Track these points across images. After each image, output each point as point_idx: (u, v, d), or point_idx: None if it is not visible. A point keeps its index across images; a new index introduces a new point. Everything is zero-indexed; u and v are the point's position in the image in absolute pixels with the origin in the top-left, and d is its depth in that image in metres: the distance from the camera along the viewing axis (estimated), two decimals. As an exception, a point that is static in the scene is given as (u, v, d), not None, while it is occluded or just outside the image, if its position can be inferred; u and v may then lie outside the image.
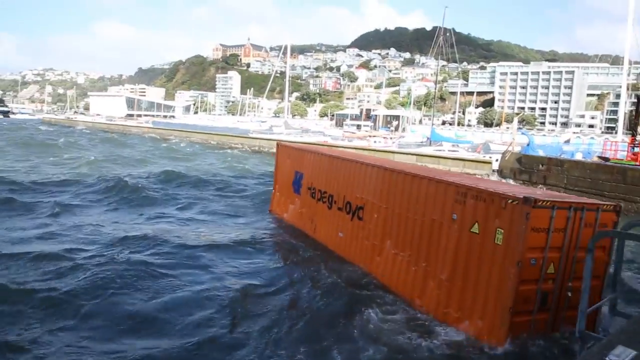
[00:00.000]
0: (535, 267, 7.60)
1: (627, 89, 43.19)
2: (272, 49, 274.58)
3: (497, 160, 31.39)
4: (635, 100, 34.34)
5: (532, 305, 7.71)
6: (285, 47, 70.00)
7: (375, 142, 48.53)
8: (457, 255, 8.72)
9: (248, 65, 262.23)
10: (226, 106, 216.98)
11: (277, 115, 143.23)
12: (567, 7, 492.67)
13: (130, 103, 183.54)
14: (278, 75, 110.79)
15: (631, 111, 35.99)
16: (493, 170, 30.11)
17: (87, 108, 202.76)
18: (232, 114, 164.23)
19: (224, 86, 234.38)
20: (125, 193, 20.79)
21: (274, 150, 46.43)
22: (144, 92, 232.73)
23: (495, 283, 7.82)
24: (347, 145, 41.73)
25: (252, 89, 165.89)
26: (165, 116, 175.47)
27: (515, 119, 44.24)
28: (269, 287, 10.73)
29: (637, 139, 29.75)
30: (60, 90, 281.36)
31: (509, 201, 7.74)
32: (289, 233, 15.41)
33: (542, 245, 7.59)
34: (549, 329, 7.96)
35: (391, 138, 52.75)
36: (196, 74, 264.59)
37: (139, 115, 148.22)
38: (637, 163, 25.95)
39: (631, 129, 31.24)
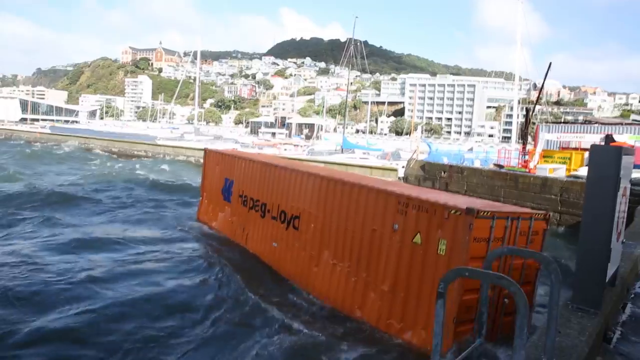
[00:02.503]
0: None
1: (519, 102, 46.74)
2: (186, 54, 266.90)
3: (403, 167, 32.31)
4: (525, 113, 37.17)
5: (473, 313, 7.58)
6: (195, 53, 67.79)
7: (285, 149, 48.30)
8: (399, 265, 8.61)
9: (160, 70, 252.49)
10: (136, 112, 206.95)
11: (191, 122, 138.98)
12: (469, 28, 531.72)
13: (25, 106, 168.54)
14: (191, 81, 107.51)
15: (522, 122, 38.92)
16: (399, 178, 30.93)
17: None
18: (143, 120, 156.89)
19: (133, 91, 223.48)
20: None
21: (180, 158, 44.80)
22: (43, 94, 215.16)
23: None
24: (256, 153, 41.02)
25: (163, 94, 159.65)
26: (67, 121, 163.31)
27: (419, 128, 46.15)
28: (183, 311, 9.76)
29: (527, 147, 32.18)
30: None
31: (452, 212, 7.77)
32: (218, 242, 14.56)
33: (483, 254, 7.54)
34: (488, 336, 8.00)
35: (301, 146, 52.83)
36: (103, 77, 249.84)
37: (36, 120, 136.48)
38: (527, 170, 27.87)
39: (522, 138, 33.67)
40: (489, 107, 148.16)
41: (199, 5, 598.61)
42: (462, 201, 8.89)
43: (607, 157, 3.66)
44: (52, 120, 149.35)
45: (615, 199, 3.65)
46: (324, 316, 9.64)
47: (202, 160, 43.03)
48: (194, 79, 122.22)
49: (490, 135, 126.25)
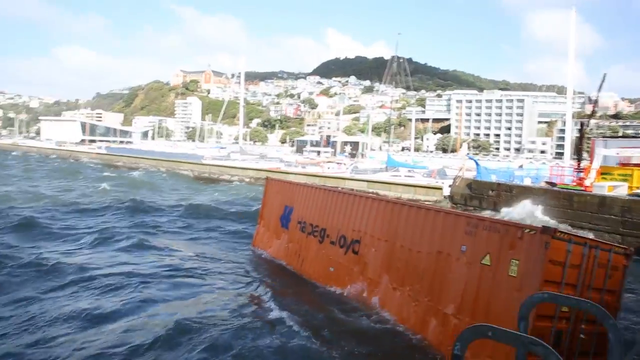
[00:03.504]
0: (551, 303, 7.05)
1: (573, 116, 44.54)
2: (233, 75, 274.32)
3: (448, 186, 31.21)
4: (579, 128, 35.22)
5: (547, 343, 6.95)
6: (245, 74, 69.34)
7: (328, 168, 48.00)
8: (465, 288, 8.32)
9: (208, 91, 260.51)
10: (186, 132, 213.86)
11: (237, 141, 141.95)
12: (517, 41, 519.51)
13: (85, 128, 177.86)
14: (238, 101, 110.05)
15: (577, 137, 36.89)
16: (444, 196, 29.87)
17: (38, 133, 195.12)
18: (192, 140, 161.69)
19: (183, 112, 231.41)
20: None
21: (225, 177, 45.39)
22: (101, 117, 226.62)
23: (509, 316, 7.06)
24: (300, 171, 40.96)
25: (211, 114, 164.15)
26: (122, 142, 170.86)
27: (465, 145, 44.83)
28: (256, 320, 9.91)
29: (581, 164, 30.31)
30: (11, 114, 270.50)
31: (526, 231, 7.50)
32: (271, 267, 14.91)
33: (558, 279, 7.18)
34: None
35: (345, 164, 52.40)
36: (155, 99, 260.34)
37: (93, 141, 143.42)
38: (583, 188, 26.17)
39: (576, 154, 31.83)
40: (540, 122, 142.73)
41: (248, 28, 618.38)
42: (535, 223, 8.83)
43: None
44: (108, 141, 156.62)
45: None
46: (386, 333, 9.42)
47: (246, 180, 43.57)
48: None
49: (542, 152, 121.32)
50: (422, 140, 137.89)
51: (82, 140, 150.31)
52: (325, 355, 8.59)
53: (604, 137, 50.07)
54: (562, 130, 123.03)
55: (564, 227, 19.86)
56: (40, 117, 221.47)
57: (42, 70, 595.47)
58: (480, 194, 28.71)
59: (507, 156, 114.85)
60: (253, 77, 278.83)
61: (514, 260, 7.56)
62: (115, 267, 13.48)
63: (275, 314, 10.50)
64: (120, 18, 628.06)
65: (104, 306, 10.28)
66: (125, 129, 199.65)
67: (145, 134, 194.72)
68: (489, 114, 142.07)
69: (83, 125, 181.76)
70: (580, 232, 22.08)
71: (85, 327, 9.25)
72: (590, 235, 20.54)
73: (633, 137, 48.96)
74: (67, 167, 49.74)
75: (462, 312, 8.27)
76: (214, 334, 9.03)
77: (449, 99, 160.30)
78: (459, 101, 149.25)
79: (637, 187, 24.79)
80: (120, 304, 10.37)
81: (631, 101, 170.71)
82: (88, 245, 16.32)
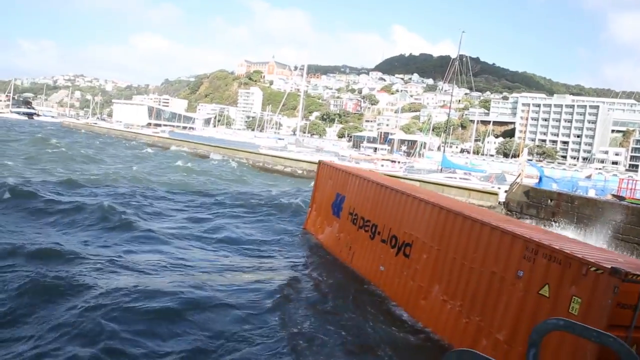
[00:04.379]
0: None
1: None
2: (296, 68, 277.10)
3: (504, 191, 29.86)
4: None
5: None
6: (308, 67, 69.72)
7: (382, 165, 47.37)
8: (520, 316, 7.74)
9: (271, 82, 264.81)
10: (246, 121, 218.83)
11: (295, 133, 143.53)
12: (595, 44, 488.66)
13: (152, 112, 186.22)
14: (299, 93, 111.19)
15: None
16: (499, 202, 28.60)
17: (110, 115, 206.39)
18: (252, 129, 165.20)
19: (245, 101, 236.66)
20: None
21: (278, 167, 45.87)
22: (167, 102, 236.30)
23: (564, 355, 6.70)
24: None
25: (271, 105, 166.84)
26: (185, 127, 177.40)
27: (525, 150, 42.67)
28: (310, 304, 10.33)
29: (656, 178, 28.03)
30: (89, 96, 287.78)
31: (592, 269, 6.78)
32: (323, 257, 14.88)
33: (627, 323, 6.50)
34: None
35: (399, 162, 51.48)
36: (219, 87, 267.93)
37: (158, 125, 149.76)
38: (655, 204, 24.17)
39: (651, 168, 29.46)
40: (614, 130, 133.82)
41: (314, 22, 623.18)
42: (601, 256, 7.69)
43: None
44: (173, 125, 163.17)
45: None
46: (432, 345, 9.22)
47: (299, 172, 43.80)
48: (304, 92, 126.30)
49: (615, 163, 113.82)
50: (482, 143, 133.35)
51: (149, 124, 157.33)
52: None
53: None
54: (639, 141, 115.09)
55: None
56: (113, 100, 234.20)
57: (118, 56, 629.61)
58: (539, 202, 27.21)
59: (574, 165, 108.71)
60: (315, 70, 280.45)
61: (575, 298, 6.93)
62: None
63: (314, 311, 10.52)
64: (193, 9, 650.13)
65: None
66: (189, 115, 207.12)
67: (207, 121, 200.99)
68: (558, 120, 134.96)
69: (150, 109, 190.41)
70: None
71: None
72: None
73: None
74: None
75: (515, 341, 7.73)
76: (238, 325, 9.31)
77: (516, 102, 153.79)
78: (526, 104, 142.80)
79: None
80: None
81: None
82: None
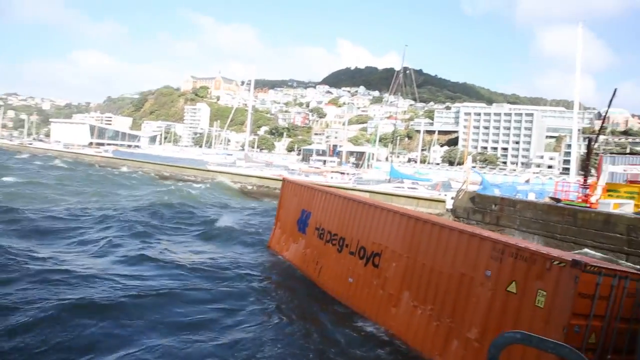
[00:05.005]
0: (578, 335, 7.04)
1: (580, 132, 44.15)
2: (243, 82, 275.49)
3: (451, 198, 30.79)
4: (587, 143, 34.72)
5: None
6: (255, 81, 69.53)
7: (332, 177, 47.76)
8: (489, 314, 8.17)
9: (218, 98, 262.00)
10: (193, 138, 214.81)
11: (244, 148, 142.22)
12: (527, 56, 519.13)
13: (94, 131, 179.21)
14: (246, 108, 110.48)
15: (584, 153, 36.40)
16: (447, 209, 29.43)
17: (48, 135, 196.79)
18: (199, 146, 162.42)
19: (192, 117, 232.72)
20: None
21: (229, 183, 45.24)
22: (110, 120, 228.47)
23: (535, 349, 6.82)
24: (303, 180, 40.73)
25: (219, 121, 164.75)
26: (130, 145, 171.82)
27: (469, 158, 44.35)
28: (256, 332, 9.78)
29: (588, 180, 29.78)
30: (23, 116, 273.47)
31: (555, 263, 7.34)
32: (288, 275, 14.73)
33: (587, 312, 7.08)
34: None
35: (348, 174, 52.12)
36: (165, 104, 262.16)
37: (101, 144, 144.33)
38: (588, 205, 25.66)
39: (583, 170, 31.29)
40: (548, 137, 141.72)
41: (262, 37, 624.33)
42: (559, 252, 8.34)
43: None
44: (116, 144, 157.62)
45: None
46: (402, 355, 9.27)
47: (249, 187, 43.39)
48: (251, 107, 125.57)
49: (550, 167, 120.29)
50: (428, 152, 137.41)
51: (90, 143, 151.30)
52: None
53: (611, 153, 49.45)
54: (570, 146, 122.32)
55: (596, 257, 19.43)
56: (51, 120, 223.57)
57: (56, 73, 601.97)
58: (484, 208, 28.23)
59: (514, 170, 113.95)
60: (263, 85, 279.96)
61: (541, 291, 7.44)
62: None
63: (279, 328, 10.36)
64: (138, 25, 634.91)
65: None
66: (134, 133, 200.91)
67: (153, 139, 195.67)
68: (498, 128, 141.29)
69: (92, 128, 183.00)
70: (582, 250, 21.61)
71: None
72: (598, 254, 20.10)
73: (641, 154, 48.31)
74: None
75: (485, 338, 8.07)
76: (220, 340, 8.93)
77: (458, 112, 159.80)
78: (468, 114, 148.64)
79: (644, 206, 24.22)
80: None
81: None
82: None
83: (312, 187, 16.70)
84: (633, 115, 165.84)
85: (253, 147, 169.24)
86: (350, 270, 12.37)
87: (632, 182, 32.90)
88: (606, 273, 7.19)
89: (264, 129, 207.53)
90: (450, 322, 8.92)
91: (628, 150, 79.54)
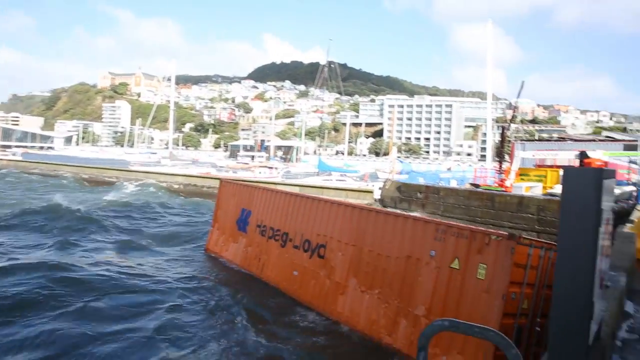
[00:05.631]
0: (514, 302, 7.76)
1: (494, 121, 47.01)
2: (165, 78, 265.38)
3: (379, 188, 31.60)
4: (501, 132, 36.99)
5: (510, 339, 7.22)
6: (178, 77, 67.02)
7: (260, 172, 47.40)
8: (435, 290, 8.72)
9: (139, 94, 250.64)
10: (114, 137, 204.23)
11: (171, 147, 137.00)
12: (446, 50, 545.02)
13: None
14: (169, 105, 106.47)
15: (498, 141, 38.76)
16: (375, 199, 30.16)
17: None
18: (121, 145, 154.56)
19: (111, 116, 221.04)
20: None
21: (152, 182, 43.45)
22: (17, 120, 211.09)
23: (478, 316, 7.76)
24: (231, 177, 39.94)
25: (141, 119, 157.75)
26: (42, 147, 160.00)
27: (394, 148, 45.74)
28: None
29: (503, 166, 31.78)
30: None
31: (493, 237, 8.02)
32: (230, 273, 14.49)
33: (521, 280, 7.76)
34: None
35: (276, 169, 51.99)
36: (80, 102, 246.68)
37: (7, 147, 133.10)
38: (503, 189, 27.37)
39: (498, 156, 33.31)
40: (466, 126, 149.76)
41: (185, 32, 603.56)
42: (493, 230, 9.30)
43: (583, 183, 2.83)
44: (26, 146, 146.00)
45: (596, 240, 2.80)
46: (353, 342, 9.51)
47: (175, 187, 41.94)
48: (175, 104, 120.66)
49: (469, 154, 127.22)
50: (355, 144, 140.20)
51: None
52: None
53: (522, 140, 53.15)
54: (486, 134, 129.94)
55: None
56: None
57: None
58: (409, 196, 29.23)
59: (437, 159, 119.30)
60: (186, 81, 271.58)
61: (481, 265, 8.05)
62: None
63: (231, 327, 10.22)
64: (48, 18, 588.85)
65: None
66: (47, 133, 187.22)
67: (68, 139, 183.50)
68: (420, 119, 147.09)
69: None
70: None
71: None
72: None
73: (547, 140, 52.36)
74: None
75: (432, 313, 8.61)
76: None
77: (382, 104, 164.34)
78: (391, 106, 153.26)
79: (551, 187, 26.28)
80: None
81: (545, 107, 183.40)
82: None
83: (252, 185, 16.85)
84: (539, 105, 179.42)
85: (178, 145, 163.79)
86: (295, 263, 12.58)
87: (539, 166, 35.66)
88: (536, 245, 7.97)
89: (189, 125, 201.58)
90: (398, 302, 9.39)
91: (536, 137, 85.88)
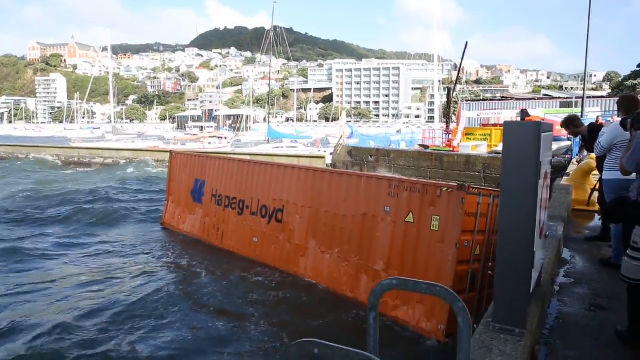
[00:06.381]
0: (467, 249, 8.07)
1: (441, 82, 47.84)
2: (101, 48, 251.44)
3: (330, 154, 31.74)
4: (447, 93, 37.76)
5: (465, 284, 8.07)
6: (118, 47, 63.52)
7: (209, 143, 46.42)
8: (392, 245, 8.96)
9: (75, 67, 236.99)
10: (51, 113, 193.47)
11: (114, 120, 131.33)
12: (392, 13, 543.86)
13: None
14: (108, 77, 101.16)
15: (445, 102, 39.60)
16: (327, 165, 30.33)
17: None
18: (60, 122, 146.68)
19: (46, 90, 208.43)
20: None
21: (97, 160, 41.72)
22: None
23: (434, 266, 8.16)
24: (179, 149, 38.87)
25: (79, 92, 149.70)
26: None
27: (344, 113, 45.90)
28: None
29: (450, 126, 32.63)
30: None
31: (444, 189, 8.23)
32: (190, 245, 14.33)
33: (472, 228, 8.09)
34: (475, 307, 8.35)
35: (226, 138, 51.04)
36: (8, 76, 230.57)
37: None
38: (451, 149, 28.17)
39: (445, 117, 34.10)
40: (414, 89, 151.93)
41: (124, 1, 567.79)
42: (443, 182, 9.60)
43: (523, 136, 2.91)
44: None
45: (536, 192, 2.90)
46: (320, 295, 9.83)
47: (122, 162, 40.38)
48: (115, 75, 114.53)
49: (417, 117, 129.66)
50: (305, 110, 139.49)
51: None
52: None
53: (467, 101, 54.54)
54: (434, 96, 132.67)
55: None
56: None
57: None
58: (361, 160, 29.58)
59: (387, 122, 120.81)
60: (126, 50, 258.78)
61: (435, 216, 8.32)
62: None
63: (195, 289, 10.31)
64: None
65: None
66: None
67: (0, 117, 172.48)
68: (368, 82, 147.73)
69: None
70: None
71: None
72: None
73: (490, 100, 54.02)
74: None
75: (391, 267, 8.91)
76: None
77: (330, 69, 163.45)
78: (340, 70, 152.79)
79: (495, 145, 27.29)
80: None
81: (488, 68, 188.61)
82: None
83: (204, 155, 16.71)
84: (482, 66, 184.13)
85: (122, 119, 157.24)
86: (254, 230, 12.64)
87: (485, 125, 36.88)
88: (484, 193, 8.34)
89: (132, 98, 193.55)
90: (357, 260, 9.66)
91: (481, 97, 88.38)
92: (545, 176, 3.45)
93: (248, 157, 22.44)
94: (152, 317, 8.84)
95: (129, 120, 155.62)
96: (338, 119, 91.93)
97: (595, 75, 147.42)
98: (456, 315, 2.01)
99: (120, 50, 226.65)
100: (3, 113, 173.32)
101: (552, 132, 3.76)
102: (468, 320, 1.99)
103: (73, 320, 8.65)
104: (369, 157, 29.16)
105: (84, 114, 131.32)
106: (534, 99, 46.67)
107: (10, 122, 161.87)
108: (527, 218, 2.86)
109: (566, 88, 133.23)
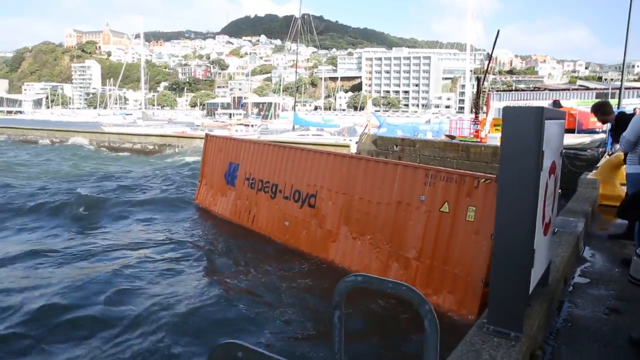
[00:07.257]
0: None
1: (472, 72, 46.70)
2: (135, 36, 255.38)
3: (355, 143, 31.40)
4: (477, 83, 36.78)
5: None
6: (150, 34, 64.43)
7: (236, 130, 46.65)
8: (425, 233, 8.99)
9: (109, 53, 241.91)
10: (86, 99, 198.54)
11: (146, 107, 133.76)
12: (424, 3, 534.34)
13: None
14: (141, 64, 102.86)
15: (475, 92, 38.63)
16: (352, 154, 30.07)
17: None
18: (94, 107, 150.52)
19: (81, 77, 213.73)
20: None
21: (126, 145, 42.55)
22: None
23: (468, 256, 8.14)
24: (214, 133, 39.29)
25: (112, 79, 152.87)
26: (10, 112, 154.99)
27: (370, 102, 45.34)
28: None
29: (479, 117, 31.78)
30: None
31: (482, 181, 8.25)
32: (222, 226, 14.71)
33: None
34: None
35: (252, 126, 51.19)
36: (47, 63, 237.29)
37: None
38: (479, 140, 27.45)
39: (474, 107, 33.23)
40: (445, 78, 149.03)
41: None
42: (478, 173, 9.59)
43: (523, 123, 2.66)
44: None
45: (537, 185, 2.65)
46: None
47: (149, 147, 41.07)
48: (147, 62, 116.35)
49: (447, 107, 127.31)
50: (334, 99, 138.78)
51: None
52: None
53: (498, 91, 53.11)
54: (465, 86, 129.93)
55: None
56: None
57: None
58: (386, 149, 29.14)
59: (416, 112, 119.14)
60: (158, 38, 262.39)
61: (471, 207, 8.29)
62: None
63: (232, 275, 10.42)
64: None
65: None
66: (14, 97, 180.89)
67: (38, 102, 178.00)
68: (398, 71, 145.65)
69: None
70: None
71: None
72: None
73: (522, 90, 52.42)
74: None
75: (423, 255, 8.96)
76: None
77: (360, 57, 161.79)
78: (369, 59, 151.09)
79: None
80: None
81: (523, 58, 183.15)
82: None
83: (238, 139, 17.02)
84: (516, 56, 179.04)
85: (153, 105, 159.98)
86: (286, 214, 12.81)
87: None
88: None
89: (163, 84, 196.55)
90: (389, 247, 9.72)
91: (514, 88, 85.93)
92: (553, 168, 3.17)
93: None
94: (180, 293, 9.01)
95: (160, 107, 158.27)
96: (364, 108, 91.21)
97: (638, 66, 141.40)
98: (422, 318, 1.82)
99: (152, 37, 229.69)
100: (41, 99, 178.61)
101: (565, 119, 3.46)
102: (435, 324, 1.80)
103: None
104: (394, 147, 28.70)
105: (117, 100, 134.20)
106: (569, 89, 45.06)
107: (48, 107, 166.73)
108: (526, 213, 2.61)
109: (605, 79, 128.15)
